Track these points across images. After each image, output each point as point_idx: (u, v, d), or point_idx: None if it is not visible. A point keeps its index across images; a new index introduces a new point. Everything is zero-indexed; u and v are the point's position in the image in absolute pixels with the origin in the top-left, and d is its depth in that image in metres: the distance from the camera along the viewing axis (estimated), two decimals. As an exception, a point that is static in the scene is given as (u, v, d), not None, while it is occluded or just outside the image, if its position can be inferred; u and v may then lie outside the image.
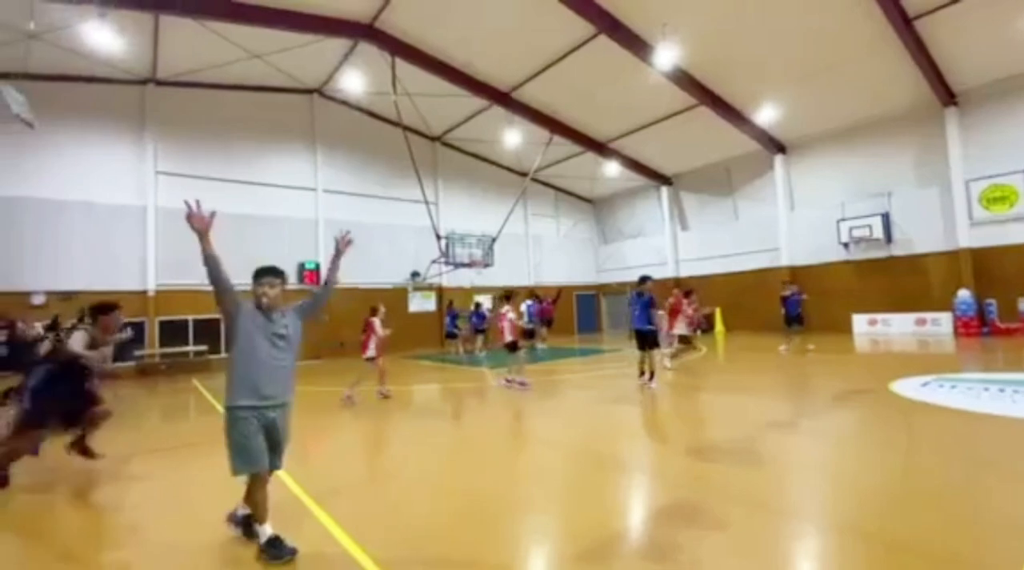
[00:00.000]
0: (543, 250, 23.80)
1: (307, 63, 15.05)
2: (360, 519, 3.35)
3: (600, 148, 19.40)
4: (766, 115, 16.04)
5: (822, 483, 3.81)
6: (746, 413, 6.23)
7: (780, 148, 18.32)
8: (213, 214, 2.90)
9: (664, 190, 22.23)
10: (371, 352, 8.18)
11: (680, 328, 10.30)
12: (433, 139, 20.31)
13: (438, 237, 16.34)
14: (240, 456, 2.78)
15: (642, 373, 8.05)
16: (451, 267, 17.47)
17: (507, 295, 9.61)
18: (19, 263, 12.55)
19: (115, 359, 5.14)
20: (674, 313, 10.52)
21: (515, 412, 7.06)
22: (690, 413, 6.60)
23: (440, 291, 19.57)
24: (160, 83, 14.63)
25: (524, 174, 20.59)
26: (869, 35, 12.14)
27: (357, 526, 3.20)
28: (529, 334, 15.81)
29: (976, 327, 13.94)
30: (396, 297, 18.64)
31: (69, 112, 13.33)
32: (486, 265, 17.84)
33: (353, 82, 15.30)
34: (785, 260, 18.16)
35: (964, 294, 14.15)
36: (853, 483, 3.71)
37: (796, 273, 17.55)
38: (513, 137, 17.38)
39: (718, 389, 7.97)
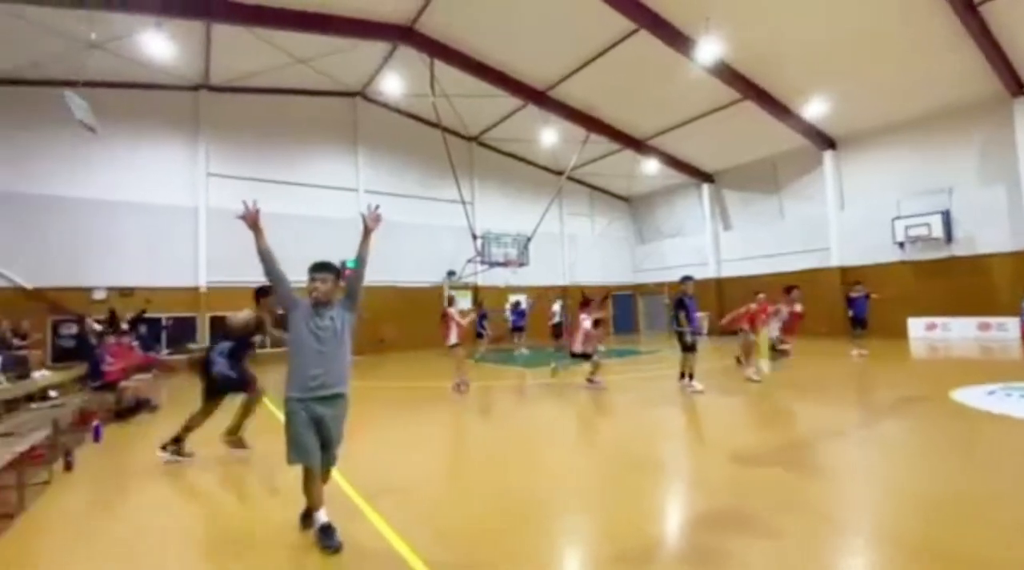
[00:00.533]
0: (578, 249, 23.60)
1: (350, 67, 15.40)
2: (409, 518, 3.35)
3: (638, 145, 19.06)
4: (815, 109, 15.35)
5: (876, 493, 3.59)
6: (795, 419, 5.97)
7: (830, 143, 17.52)
8: (257, 209, 3.05)
9: (705, 188, 21.64)
10: (452, 340, 8.54)
11: (773, 330, 8.36)
12: (469, 139, 20.44)
13: (474, 237, 16.43)
14: (294, 448, 2.91)
15: (682, 375, 7.86)
16: (486, 266, 17.54)
17: (585, 301, 8.90)
18: (82, 260, 13.34)
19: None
20: (755, 318, 9.01)
21: (558, 413, 7.00)
22: (735, 417, 6.36)
23: (476, 290, 19.67)
24: (212, 89, 15.28)
25: (560, 173, 20.47)
26: (930, 22, 11.43)
27: (406, 525, 3.21)
28: (557, 333, 15.68)
29: (1048, 333, 12.95)
30: (432, 296, 18.86)
31: (127, 117, 14.06)
32: (521, 264, 17.83)
33: (393, 84, 15.60)
34: (835, 260, 17.37)
35: (1035, 297, 13.17)
36: (910, 494, 3.49)
37: (847, 274, 16.73)
38: (549, 136, 17.29)
39: (764, 394, 7.67)
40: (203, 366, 5.06)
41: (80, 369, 8.38)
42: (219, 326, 5.15)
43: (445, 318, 8.78)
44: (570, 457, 4.89)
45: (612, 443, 5.41)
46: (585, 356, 8.47)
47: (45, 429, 4.59)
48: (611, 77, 14.80)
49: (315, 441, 2.93)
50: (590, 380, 8.43)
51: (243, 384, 5.08)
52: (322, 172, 17.24)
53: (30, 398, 6.68)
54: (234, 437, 5.04)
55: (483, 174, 20.81)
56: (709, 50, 12.19)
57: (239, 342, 5.10)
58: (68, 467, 4.74)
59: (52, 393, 7.32)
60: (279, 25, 12.02)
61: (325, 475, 3.12)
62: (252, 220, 3.01)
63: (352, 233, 15.01)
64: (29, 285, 12.62)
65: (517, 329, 15.50)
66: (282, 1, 11.53)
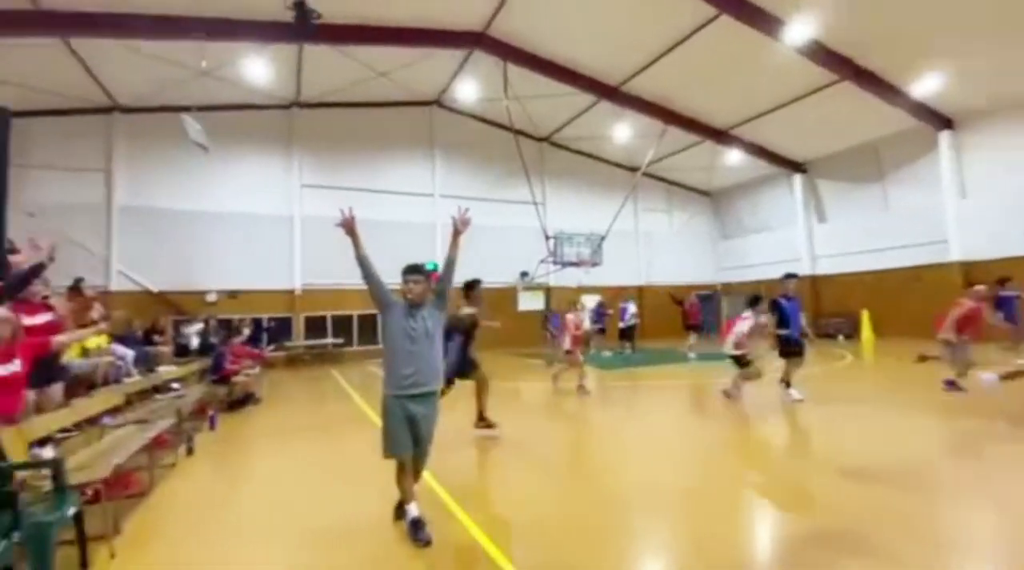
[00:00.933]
0: (655, 247, 22.80)
1: (426, 77, 15.96)
2: (496, 518, 3.38)
3: (720, 136, 18.08)
4: (927, 85, 13.70)
5: (1011, 520, 3.11)
6: (919, 433, 5.34)
7: (945, 123, 15.59)
8: (353, 216, 3.17)
9: (796, 178, 20.07)
10: (567, 345, 8.59)
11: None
12: (540, 140, 20.43)
13: (546, 237, 16.40)
14: (389, 443, 3.05)
15: (784, 382, 7.21)
16: (559, 267, 17.43)
17: (755, 298, 7.27)
18: (197, 267, 14.88)
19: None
20: (969, 319, 7.05)
21: (645, 418, 6.78)
22: (844, 429, 5.71)
23: (548, 291, 19.62)
24: (303, 106, 16.47)
25: (634, 169, 19.90)
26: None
27: (493, 525, 3.23)
28: (627, 335, 15.01)
29: None
30: (505, 297, 19.06)
31: (231, 136, 15.41)
32: (594, 264, 17.53)
33: (467, 90, 16.01)
34: (955, 254, 15.39)
35: None
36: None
37: (970, 269, 14.80)
38: (623, 131, 16.86)
39: (877, 403, 6.94)
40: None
41: (199, 364, 9.33)
42: (450, 325, 5.76)
43: (564, 322, 8.90)
44: (661, 463, 4.67)
45: (706, 450, 5.11)
46: (740, 360, 7.03)
47: (171, 418, 5.14)
48: (689, 67, 14.15)
49: (408, 437, 3.04)
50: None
51: (466, 368, 5.77)
52: (401, 179, 18.01)
53: (156, 389, 7.52)
54: (482, 422, 5.73)
55: (555, 174, 20.72)
56: (800, 30, 11.31)
57: (467, 336, 5.80)
58: (190, 452, 5.27)
59: (175, 385, 8.18)
60: (367, 41, 12.72)
61: (417, 472, 3.22)
62: (349, 227, 3.16)
63: (429, 237, 15.56)
64: (154, 288, 14.30)
65: (597, 331, 15.23)
66: (369, 18, 12.14)
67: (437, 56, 14.51)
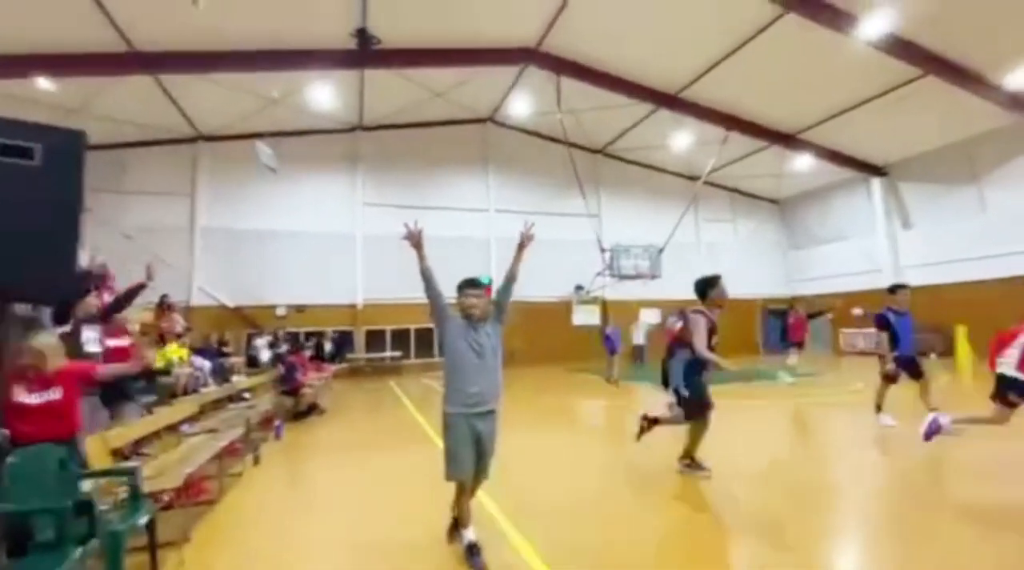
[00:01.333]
0: (718, 258, 21.75)
1: (480, 94, 16.26)
2: (556, 544, 3.21)
3: (787, 141, 17.15)
4: (1026, 75, 12.37)
5: None
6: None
7: (1050, 117, 13.98)
8: (420, 229, 3.14)
9: (875, 182, 18.61)
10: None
11: None
12: (595, 152, 20.23)
13: (602, 250, 16.10)
14: (452, 464, 2.93)
15: (878, 408, 6.36)
16: (615, 279, 17.05)
17: None
18: (267, 282, 15.77)
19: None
20: None
21: (728, 443, 6.35)
22: (959, 461, 5.04)
23: (604, 304, 19.20)
24: (365, 128, 17.22)
25: (694, 178, 19.23)
26: None
27: (553, 552, 3.08)
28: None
29: None
30: (560, 311, 18.83)
31: (299, 159, 16.29)
32: (653, 277, 17.00)
33: (520, 107, 16.17)
34: (1067, 261, 13.69)
35: None
36: None
37: (1088, 278, 13.08)
38: (682, 140, 16.36)
39: (995, 435, 6.14)
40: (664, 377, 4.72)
41: (268, 375, 9.79)
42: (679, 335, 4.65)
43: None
44: (744, 491, 4.19)
45: (797, 482, 4.52)
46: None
47: (240, 427, 5.36)
48: (752, 70, 13.54)
49: (472, 457, 2.94)
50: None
51: (691, 409, 4.44)
52: (457, 195, 18.37)
53: (230, 398, 7.93)
54: (686, 460, 4.59)
55: (610, 185, 20.40)
56: (876, 24, 10.55)
57: (694, 355, 4.37)
58: (256, 461, 5.46)
59: (246, 395, 8.61)
60: (424, 64, 13.18)
61: (473, 489, 3.13)
62: (415, 240, 3.12)
63: (484, 251, 15.59)
64: (230, 304, 15.27)
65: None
66: (425, 41, 12.51)
67: (491, 74, 14.77)
